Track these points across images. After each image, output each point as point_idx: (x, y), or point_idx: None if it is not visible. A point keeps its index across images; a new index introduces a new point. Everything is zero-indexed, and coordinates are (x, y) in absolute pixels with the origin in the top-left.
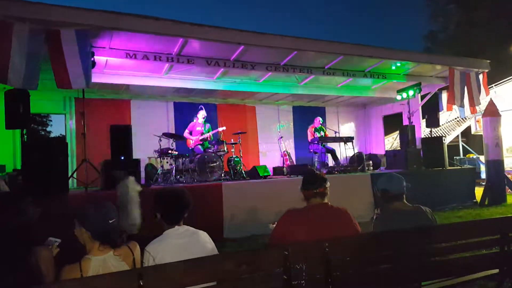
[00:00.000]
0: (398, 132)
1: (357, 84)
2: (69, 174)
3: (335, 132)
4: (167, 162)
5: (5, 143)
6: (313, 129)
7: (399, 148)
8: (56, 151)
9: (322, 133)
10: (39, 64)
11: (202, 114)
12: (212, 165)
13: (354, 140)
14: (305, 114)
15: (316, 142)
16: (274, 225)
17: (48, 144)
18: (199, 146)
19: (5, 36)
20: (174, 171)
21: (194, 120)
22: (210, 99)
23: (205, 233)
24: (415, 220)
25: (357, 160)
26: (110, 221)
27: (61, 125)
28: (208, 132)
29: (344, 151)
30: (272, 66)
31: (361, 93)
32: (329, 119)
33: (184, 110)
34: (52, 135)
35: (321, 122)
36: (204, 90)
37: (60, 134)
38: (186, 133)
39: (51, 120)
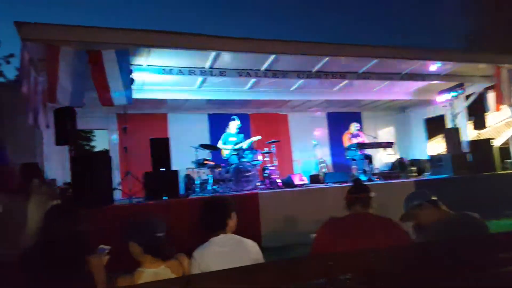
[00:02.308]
0: (442, 135)
1: (394, 87)
2: (114, 186)
3: (373, 138)
4: (203, 173)
5: (55, 158)
6: (350, 135)
7: (444, 152)
8: (101, 165)
9: (360, 139)
10: (85, 83)
11: (235, 124)
12: (247, 174)
13: (394, 146)
14: (340, 120)
15: (353, 148)
16: (314, 235)
17: (93, 158)
18: (234, 156)
19: (53, 58)
20: (211, 181)
21: (228, 131)
22: (243, 109)
23: (252, 242)
24: (461, 228)
25: (398, 166)
26: (159, 235)
27: (104, 140)
28: (242, 142)
29: (384, 157)
30: (304, 73)
31: (399, 96)
32: (366, 124)
33: (218, 121)
34: (95, 149)
35: (357, 128)
36: (236, 101)
37: (103, 149)
38: (220, 144)
39: (94, 136)
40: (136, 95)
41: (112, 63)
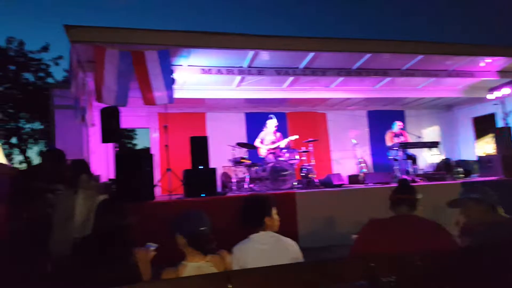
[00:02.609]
0: (491, 135)
1: (440, 84)
2: (155, 182)
3: (418, 137)
4: (240, 171)
5: (100, 155)
6: (392, 134)
7: (494, 153)
8: (143, 162)
9: (402, 139)
10: (128, 83)
11: (272, 123)
12: (284, 173)
13: (439, 145)
14: (381, 119)
15: (396, 148)
16: (356, 236)
17: (137, 155)
18: (271, 155)
19: (99, 59)
20: (247, 179)
21: (265, 129)
22: (280, 108)
23: (291, 240)
24: None
25: (444, 167)
26: (201, 229)
27: (146, 138)
28: (279, 140)
29: (429, 158)
30: (344, 71)
31: (446, 94)
32: (409, 123)
33: (255, 120)
34: (137, 147)
35: (400, 127)
36: (274, 100)
37: (144, 147)
38: (257, 142)
39: (136, 134)
40: (176, 94)
41: (155, 63)
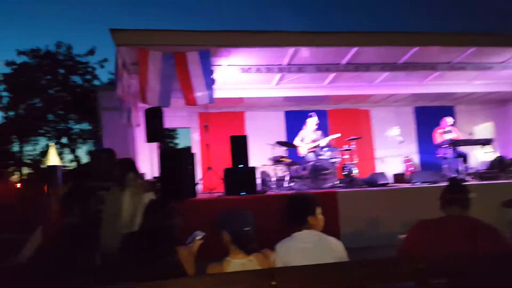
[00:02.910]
0: None
1: (494, 77)
2: (196, 181)
3: (469, 134)
4: (280, 170)
5: (144, 154)
6: (441, 131)
7: None
8: (186, 161)
9: (452, 136)
10: (171, 84)
11: (313, 121)
12: (325, 172)
13: (493, 143)
14: (429, 115)
15: (445, 145)
16: (403, 236)
17: (179, 154)
18: (311, 154)
19: (143, 61)
20: (287, 178)
21: (305, 128)
22: (321, 106)
23: (336, 240)
24: None
25: (498, 165)
26: (246, 228)
27: (186, 137)
28: (320, 139)
29: (481, 155)
30: (389, 65)
31: (501, 88)
32: (460, 120)
33: (294, 118)
34: (178, 147)
35: (450, 123)
36: (314, 97)
37: (185, 146)
38: (297, 141)
39: (177, 133)
40: (216, 94)
41: (196, 64)
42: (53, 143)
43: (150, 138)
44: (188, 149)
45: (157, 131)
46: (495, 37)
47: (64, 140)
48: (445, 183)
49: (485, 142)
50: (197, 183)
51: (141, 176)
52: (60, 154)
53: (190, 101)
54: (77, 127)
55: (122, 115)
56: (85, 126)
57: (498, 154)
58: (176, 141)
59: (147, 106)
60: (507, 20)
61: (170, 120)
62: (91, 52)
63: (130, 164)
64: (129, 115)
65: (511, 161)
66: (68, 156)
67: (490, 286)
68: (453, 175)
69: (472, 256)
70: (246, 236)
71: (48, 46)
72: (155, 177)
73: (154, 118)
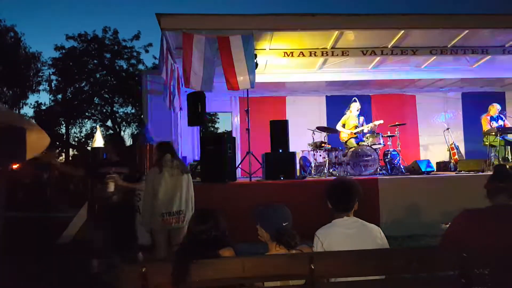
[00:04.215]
0: None
1: None
2: (236, 165)
3: None
4: (320, 155)
5: (186, 138)
6: (489, 118)
7: None
8: (226, 145)
9: (501, 123)
10: (214, 69)
11: (356, 106)
12: (366, 158)
13: None
14: (478, 101)
15: (493, 133)
16: (447, 225)
17: (220, 138)
18: (352, 139)
19: (188, 46)
20: (327, 164)
21: (347, 113)
22: (364, 91)
23: (377, 227)
24: None
25: None
26: (284, 224)
27: (227, 122)
28: (363, 125)
29: None
30: (438, 49)
31: None
32: (510, 106)
33: (336, 103)
34: (219, 131)
35: (499, 110)
36: (358, 82)
37: (225, 130)
38: (339, 126)
39: (218, 118)
40: (258, 78)
41: (239, 48)
42: (99, 126)
43: (191, 122)
44: (228, 133)
45: (198, 115)
46: None
47: (109, 123)
48: (491, 172)
49: None
50: (237, 167)
51: (178, 157)
52: (105, 136)
53: (232, 86)
54: (121, 110)
55: (165, 98)
56: (129, 109)
57: None
58: (217, 125)
59: (190, 90)
60: None
61: (211, 104)
62: (137, 37)
63: (168, 147)
64: (173, 98)
65: None
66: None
67: None
68: (500, 164)
69: None
70: (286, 232)
71: (95, 31)
72: (195, 160)
73: (196, 102)
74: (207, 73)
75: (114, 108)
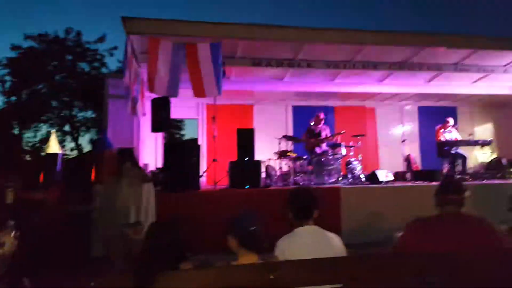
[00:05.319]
0: None
1: (496, 80)
2: (201, 172)
3: (469, 135)
4: (285, 164)
5: (150, 144)
6: (443, 131)
7: None
8: (190, 152)
9: (453, 136)
10: (180, 74)
11: (320, 116)
12: (329, 168)
13: (492, 144)
14: (432, 115)
15: (446, 145)
16: (400, 234)
17: (184, 145)
18: (317, 149)
19: (153, 51)
20: (292, 172)
21: (312, 123)
22: (328, 102)
23: (335, 235)
24: None
25: (495, 167)
26: (252, 228)
27: (193, 128)
28: (326, 135)
29: (480, 156)
30: (396, 64)
31: (502, 91)
32: (461, 120)
33: (302, 113)
34: (185, 138)
35: (451, 124)
36: (322, 93)
37: (192, 137)
38: (304, 136)
39: (184, 125)
40: (226, 86)
41: (206, 55)
42: (55, 130)
43: (155, 128)
44: (193, 141)
45: (163, 121)
46: (499, 40)
47: (66, 127)
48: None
49: (484, 143)
50: (201, 175)
51: (139, 166)
52: (61, 142)
53: (199, 93)
54: (81, 114)
55: (128, 103)
56: (90, 114)
57: (496, 156)
58: (183, 132)
59: (154, 96)
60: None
61: (177, 111)
62: (101, 39)
63: (128, 154)
64: (135, 103)
65: (510, 163)
66: (70, 145)
67: (486, 282)
68: (448, 174)
69: (468, 252)
70: (253, 236)
71: (57, 32)
72: (158, 168)
73: (160, 108)
74: (173, 79)
75: (73, 112)
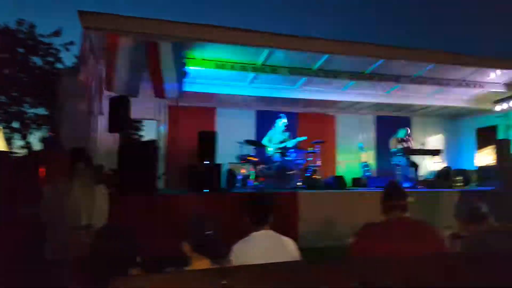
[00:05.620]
0: (492, 146)
1: (448, 94)
2: (158, 175)
3: (421, 144)
4: (247, 168)
5: (104, 145)
6: (397, 140)
7: (493, 164)
8: (148, 154)
9: (407, 145)
10: (140, 73)
11: (282, 122)
12: (289, 173)
13: (442, 154)
14: (389, 124)
15: (399, 154)
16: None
17: (141, 147)
18: (278, 154)
19: (113, 48)
20: (252, 177)
21: (274, 128)
22: (291, 108)
23: (290, 240)
24: (506, 240)
25: (444, 175)
26: (206, 233)
27: (153, 130)
28: (288, 140)
29: (431, 165)
30: (356, 74)
31: (452, 103)
32: (415, 130)
33: (265, 118)
34: (144, 139)
35: (406, 133)
36: (286, 99)
37: (151, 139)
38: (265, 141)
39: (144, 125)
40: (188, 88)
41: (168, 55)
42: (2, 127)
43: (112, 128)
44: (151, 142)
45: (121, 121)
46: (453, 56)
47: (15, 124)
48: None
49: (434, 152)
50: (158, 178)
51: (94, 167)
52: (9, 139)
53: (159, 93)
54: (31, 111)
55: (83, 101)
56: (41, 110)
57: (445, 165)
58: (142, 133)
59: (113, 94)
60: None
61: (136, 111)
62: (57, 33)
63: (81, 154)
64: (92, 102)
65: (457, 172)
66: (19, 142)
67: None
68: (391, 181)
69: (413, 256)
70: (207, 241)
71: (7, 23)
72: (112, 170)
73: (119, 107)
74: (132, 78)
75: (23, 109)
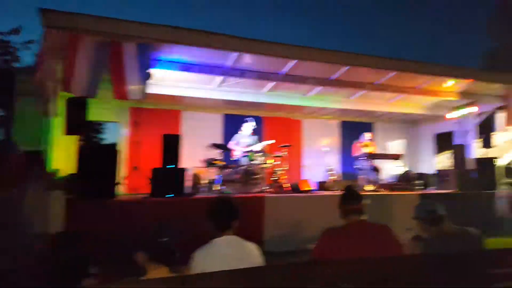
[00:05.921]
0: (450, 151)
1: (409, 101)
2: (118, 180)
3: (383, 149)
4: (213, 172)
5: (59, 148)
6: (360, 144)
7: (451, 168)
8: (107, 158)
9: (369, 149)
10: (100, 74)
11: (249, 126)
12: (255, 177)
13: (403, 158)
14: (353, 130)
15: (362, 158)
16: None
17: (100, 150)
18: (244, 158)
19: (73, 47)
20: (218, 181)
21: (241, 132)
22: (258, 112)
23: (254, 245)
24: (462, 242)
25: (405, 179)
26: (163, 240)
27: (114, 132)
28: (255, 144)
29: (393, 169)
30: (321, 80)
31: (412, 110)
32: (377, 135)
33: (232, 122)
34: (104, 142)
35: (369, 138)
36: (253, 103)
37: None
38: (232, 144)
39: (104, 128)
40: (152, 90)
41: (132, 56)
42: None
43: (70, 131)
44: (111, 145)
45: (79, 123)
46: (413, 64)
47: None
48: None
49: (396, 157)
50: (118, 183)
51: (49, 171)
52: None
53: (121, 95)
54: None
55: (38, 102)
56: None
57: (406, 169)
58: (103, 136)
59: (69, 95)
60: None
61: (96, 113)
62: (15, 31)
63: (36, 158)
64: (47, 103)
65: (417, 176)
66: None
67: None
68: (347, 185)
69: (374, 259)
70: (163, 248)
71: None
72: (70, 174)
73: (76, 108)
74: (92, 78)
75: None
